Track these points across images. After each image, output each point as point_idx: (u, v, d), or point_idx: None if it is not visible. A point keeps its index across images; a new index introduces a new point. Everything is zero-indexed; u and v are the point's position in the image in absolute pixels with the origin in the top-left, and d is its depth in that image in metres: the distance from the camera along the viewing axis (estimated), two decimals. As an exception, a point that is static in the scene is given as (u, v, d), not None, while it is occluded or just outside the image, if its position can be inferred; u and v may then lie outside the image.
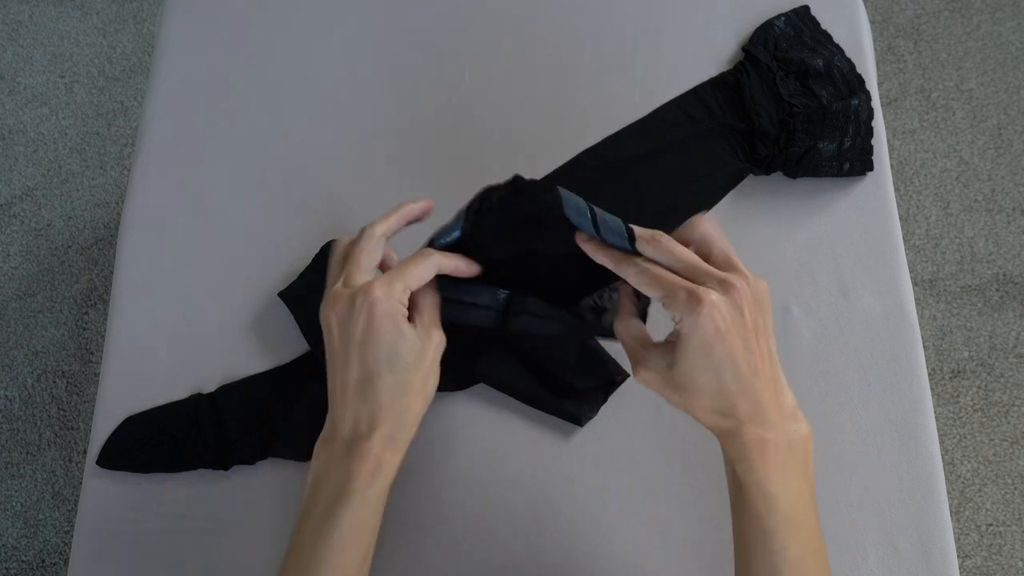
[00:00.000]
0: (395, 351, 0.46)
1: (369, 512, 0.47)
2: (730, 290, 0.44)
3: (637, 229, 0.47)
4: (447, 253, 0.50)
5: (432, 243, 0.50)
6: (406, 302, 0.47)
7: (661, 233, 0.47)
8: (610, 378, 0.62)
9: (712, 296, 0.43)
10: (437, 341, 0.49)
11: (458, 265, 0.50)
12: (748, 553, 0.46)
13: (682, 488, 0.61)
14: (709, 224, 0.48)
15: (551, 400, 0.62)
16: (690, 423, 0.58)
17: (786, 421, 0.46)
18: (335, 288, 0.47)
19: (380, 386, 0.46)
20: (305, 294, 0.65)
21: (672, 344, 0.46)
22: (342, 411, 0.47)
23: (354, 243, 0.50)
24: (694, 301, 0.43)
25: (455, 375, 0.62)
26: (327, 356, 0.48)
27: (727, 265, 0.46)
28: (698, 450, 0.61)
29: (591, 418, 0.62)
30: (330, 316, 0.47)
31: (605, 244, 0.48)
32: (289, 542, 0.48)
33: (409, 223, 0.52)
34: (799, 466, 0.46)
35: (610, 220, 0.48)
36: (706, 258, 0.47)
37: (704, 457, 0.61)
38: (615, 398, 0.63)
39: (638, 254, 0.47)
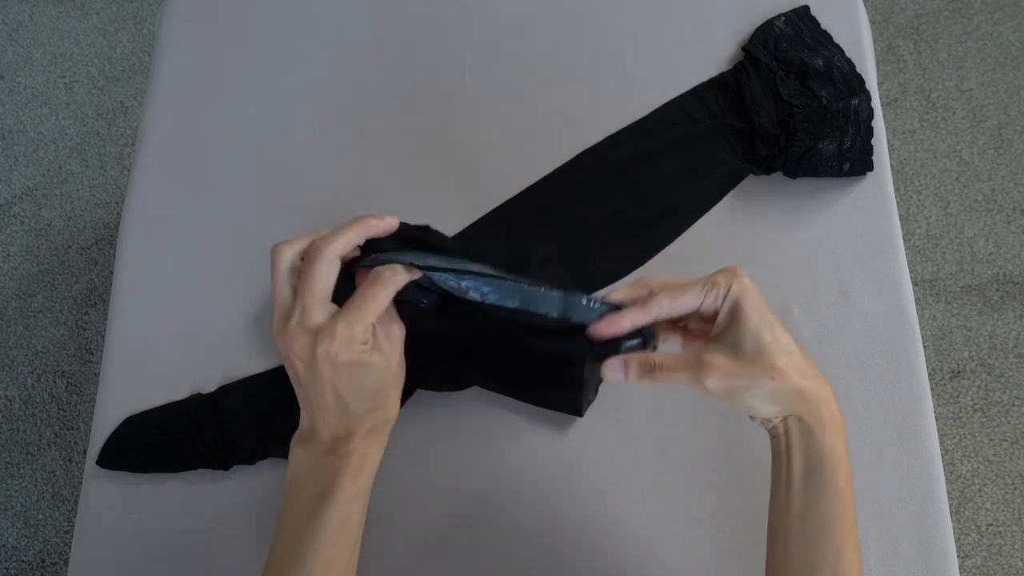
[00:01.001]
0: (365, 384, 0.46)
1: (356, 506, 0.47)
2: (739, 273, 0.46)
3: (627, 290, 0.47)
4: (397, 268, 0.46)
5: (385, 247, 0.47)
6: (369, 338, 0.45)
7: (642, 279, 0.48)
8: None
9: (739, 268, 0.46)
10: (398, 338, 0.48)
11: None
12: (813, 536, 0.45)
13: (682, 488, 0.61)
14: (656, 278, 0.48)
15: (548, 395, 0.61)
16: (689, 423, 0.57)
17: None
18: (291, 325, 0.44)
19: (356, 407, 0.46)
20: (305, 294, 0.64)
21: (723, 329, 0.46)
22: (321, 422, 0.47)
23: (307, 263, 0.45)
24: (730, 272, 0.45)
25: (453, 376, 0.62)
26: (291, 377, 0.47)
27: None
28: (698, 450, 0.61)
29: (591, 402, 0.62)
30: (290, 353, 0.45)
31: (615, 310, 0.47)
32: (272, 542, 0.48)
33: (368, 240, 0.48)
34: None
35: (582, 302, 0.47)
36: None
37: (703, 457, 0.61)
38: (615, 398, 0.63)
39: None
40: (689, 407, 0.62)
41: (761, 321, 0.45)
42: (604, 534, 0.60)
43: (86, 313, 1.33)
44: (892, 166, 0.89)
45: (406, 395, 0.62)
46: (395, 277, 0.46)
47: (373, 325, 0.46)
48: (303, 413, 0.49)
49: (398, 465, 0.61)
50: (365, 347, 0.45)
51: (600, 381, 0.62)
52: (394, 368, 0.48)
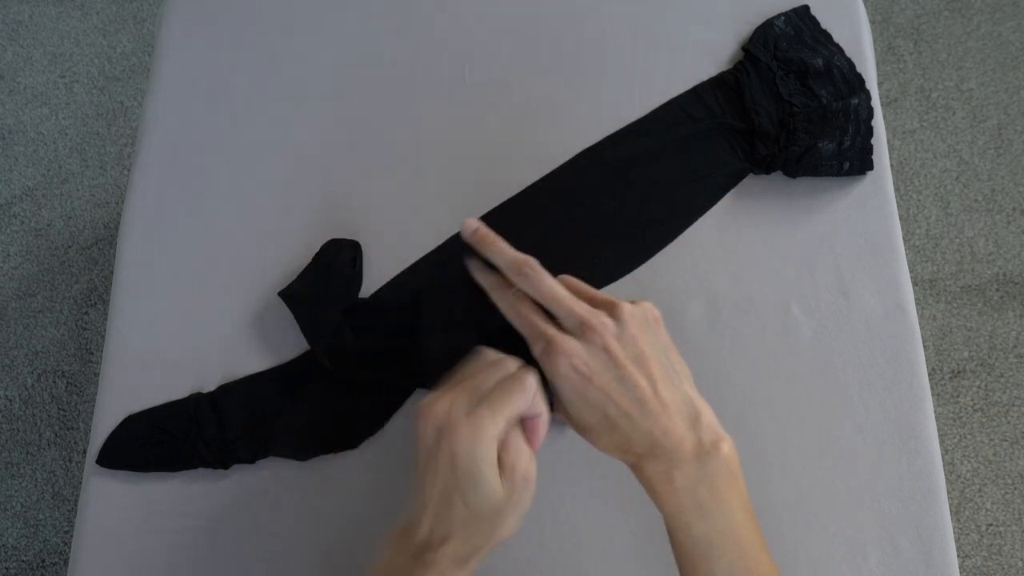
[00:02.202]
0: (471, 497, 0.43)
1: None
2: (588, 333, 0.44)
3: (513, 253, 0.47)
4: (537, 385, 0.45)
5: None
6: (496, 443, 0.43)
7: (532, 261, 0.46)
8: None
9: (567, 345, 0.43)
10: (526, 499, 0.45)
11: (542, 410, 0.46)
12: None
13: (682, 488, 0.61)
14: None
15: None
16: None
17: (697, 446, 0.45)
18: (444, 395, 0.43)
19: (456, 513, 0.43)
20: (305, 294, 0.64)
21: None
22: (422, 512, 0.44)
23: (511, 377, 0.43)
24: (548, 352, 0.43)
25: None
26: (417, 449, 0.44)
27: (595, 301, 0.46)
28: (698, 450, 0.61)
29: None
30: (424, 425, 0.43)
31: (488, 266, 0.47)
32: None
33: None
34: (719, 490, 0.45)
35: None
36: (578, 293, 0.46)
37: (704, 457, 0.61)
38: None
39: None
40: (689, 407, 0.62)
41: (579, 405, 0.45)
42: (604, 534, 0.60)
43: (86, 313, 1.33)
44: (892, 166, 0.89)
45: (405, 395, 0.62)
46: (534, 385, 0.44)
47: (503, 468, 0.43)
48: (412, 501, 0.45)
49: (398, 465, 0.61)
50: (489, 459, 0.42)
51: None
52: (507, 521, 0.44)
